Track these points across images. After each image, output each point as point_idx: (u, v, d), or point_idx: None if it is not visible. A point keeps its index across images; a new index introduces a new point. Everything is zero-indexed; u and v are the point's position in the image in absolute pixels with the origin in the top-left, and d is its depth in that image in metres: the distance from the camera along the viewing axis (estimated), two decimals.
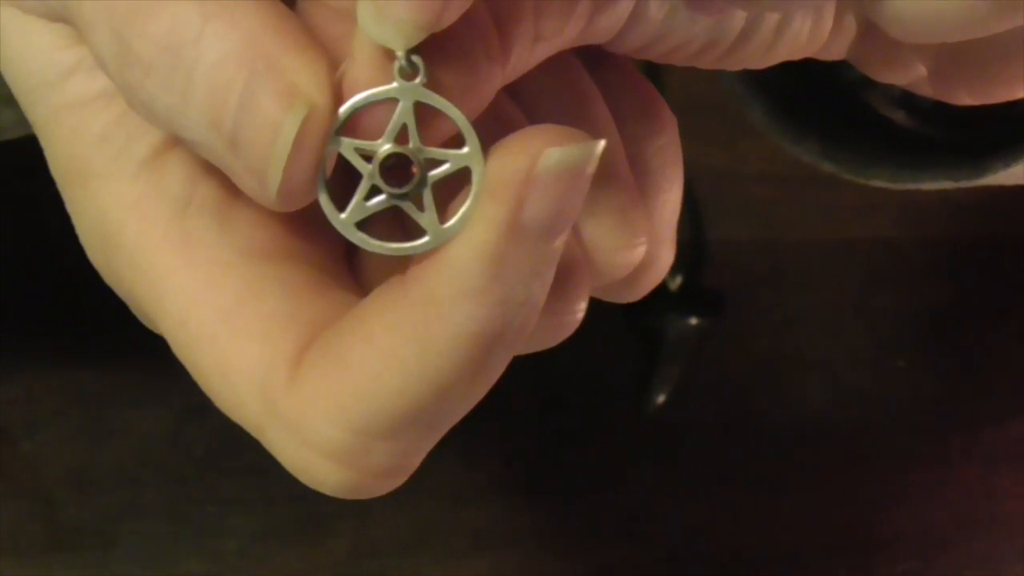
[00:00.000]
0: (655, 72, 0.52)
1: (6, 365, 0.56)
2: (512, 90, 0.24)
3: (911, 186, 0.37)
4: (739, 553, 0.62)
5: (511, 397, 0.59)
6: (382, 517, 0.59)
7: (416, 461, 0.24)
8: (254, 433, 0.23)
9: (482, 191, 0.21)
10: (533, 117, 0.25)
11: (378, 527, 0.59)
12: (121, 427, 0.57)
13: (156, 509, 0.57)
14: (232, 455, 0.57)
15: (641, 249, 0.25)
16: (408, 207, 0.22)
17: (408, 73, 0.22)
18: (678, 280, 0.61)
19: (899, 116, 0.40)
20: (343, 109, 0.22)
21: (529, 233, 0.21)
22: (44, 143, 0.25)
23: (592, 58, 0.26)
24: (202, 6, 0.21)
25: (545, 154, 0.21)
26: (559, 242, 0.22)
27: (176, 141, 0.24)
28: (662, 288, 0.61)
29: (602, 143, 0.21)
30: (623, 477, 0.61)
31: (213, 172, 0.24)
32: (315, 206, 0.23)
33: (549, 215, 0.21)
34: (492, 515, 0.60)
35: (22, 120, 0.26)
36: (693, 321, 0.61)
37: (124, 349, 0.55)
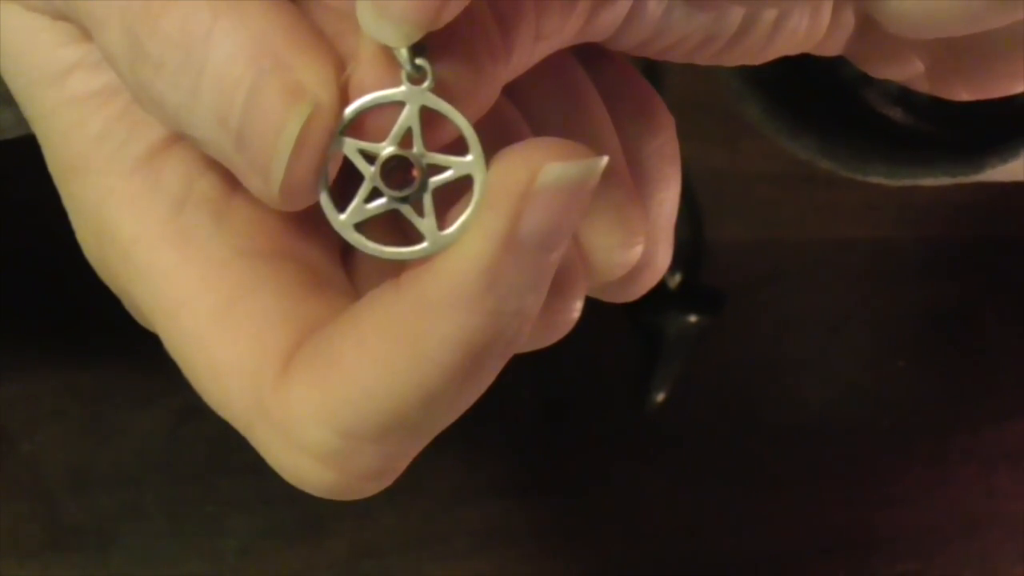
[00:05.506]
0: (654, 71, 0.52)
1: (6, 365, 0.56)
2: (510, 89, 0.24)
3: (908, 182, 0.37)
4: (739, 553, 0.62)
5: (511, 397, 0.59)
6: (382, 517, 0.59)
7: (403, 465, 0.24)
8: (242, 431, 0.24)
9: (482, 201, 0.21)
10: (531, 117, 0.25)
11: (378, 527, 0.59)
12: (121, 427, 0.57)
13: (156, 509, 0.57)
14: (232, 455, 0.57)
15: (638, 248, 0.25)
16: (408, 211, 0.22)
17: (415, 77, 0.22)
18: (677, 278, 0.61)
19: (896, 113, 0.40)
20: (349, 110, 0.22)
21: (525, 246, 0.21)
22: (42, 139, 0.25)
23: (589, 57, 0.26)
24: (212, 4, 0.21)
25: (545, 169, 0.21)
26: (556, 256, 0.22)
27: (175, 139, 0.24)
28: (662, 286, 0.61)
29: (604, 160, 0.21)
30: (623, 477, 0.61)
31: (210, 170, 0.24)
32: (313, 206, 0.23)
33: (546, 229, 0.21)
34: (492, 515, 0.60)
35: (22, 120, 0.26)
36: (693, 319, 0.61)
37: (124, 349, 0.55)
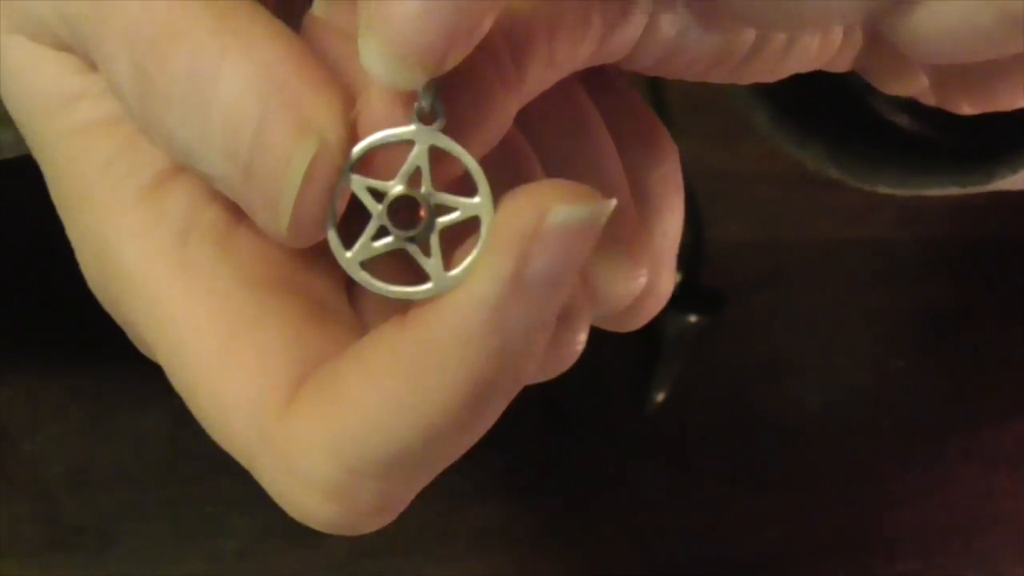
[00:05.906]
0: (655, 77, 0.52)
1: (6, 365, 0.56)
2: (516, 116, 0.24)
3: (916, 192, 0.37)
4: (739, 553, 0.62)
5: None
6: None
7: (406, 501, 0.24)
8: (245, 464, 0.24)
9: (488, 243, 0.21)
10: (536, 143, 0.25)
11: None
12: (121, 427, 0.57)
13: (156, 509, 0.57)
14: (232, 455, 0.57)
15: (642, 280, 0.25)
16: (414, 251, 0.22)
17: (427, 115, 0.21)
18: (677, 278, 0.61)
19: (903, 120, 0.40)
20: (358, 148, 0.22)
21: (532, 287, 0.21)
22: (45, 167, 0.25)
23: (595, 85, 0.26)
24: (221, 40, 0.21)
25: (553, 211, 0.21)
26: (562, 296, 0.22)
27: (180, 169, 0.24)
28: None
29: (612, 203, 0.21)
30: (623, 477, 0.61)
31: (216, 201, 0.24)
32: (319, 240, 0.23)
33: (553, 271, 0.21)
34: (492, 515, 0.60)
35: (21, 140, 0.26)
36: (692, 319, 0.61)
37: (124, 349, 0.55)
